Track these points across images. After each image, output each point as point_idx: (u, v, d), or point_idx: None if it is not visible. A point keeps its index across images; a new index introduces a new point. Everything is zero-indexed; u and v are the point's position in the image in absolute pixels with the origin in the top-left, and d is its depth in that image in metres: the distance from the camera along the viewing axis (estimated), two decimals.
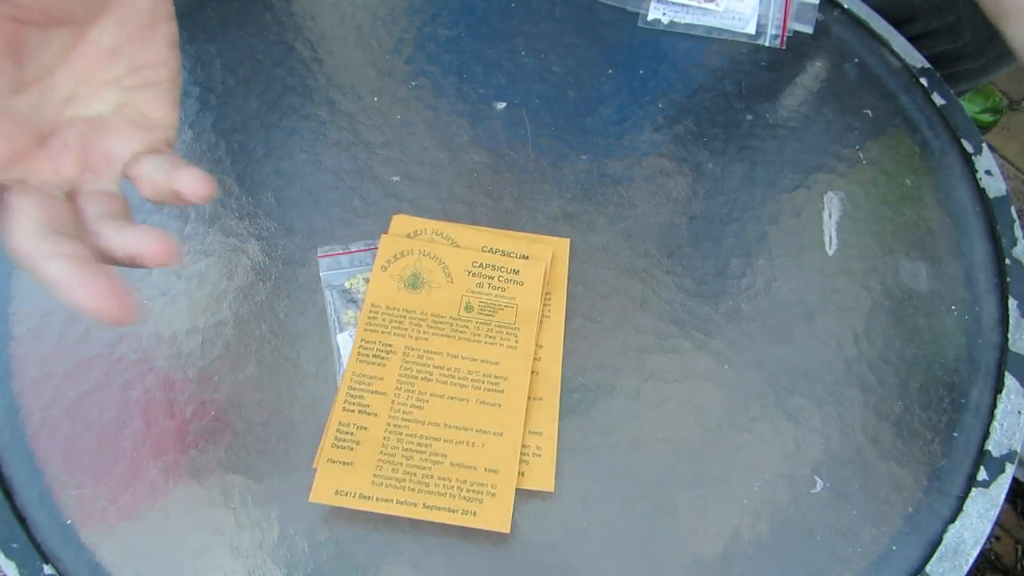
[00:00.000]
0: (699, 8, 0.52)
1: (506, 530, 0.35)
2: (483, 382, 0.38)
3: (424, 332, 0.39)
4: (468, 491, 0.35)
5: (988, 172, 0.46)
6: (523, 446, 0.37)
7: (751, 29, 0.52)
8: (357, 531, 0.36)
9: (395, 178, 0.46)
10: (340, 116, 0.48)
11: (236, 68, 0.49)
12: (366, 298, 0.40)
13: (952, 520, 0.37)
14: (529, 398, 0.38)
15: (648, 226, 0.44)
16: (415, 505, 0.35)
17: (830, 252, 0.44)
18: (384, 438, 0.36)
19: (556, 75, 0.50)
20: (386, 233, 0.43)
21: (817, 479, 0.38)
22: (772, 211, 0.45)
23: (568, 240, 0.43)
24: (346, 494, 0.35)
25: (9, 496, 0.37)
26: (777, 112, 0.49)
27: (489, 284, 0.41)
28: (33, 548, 0.35)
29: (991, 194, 0.46)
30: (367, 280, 0.41)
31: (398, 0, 0.53)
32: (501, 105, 0.49)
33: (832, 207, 0.46)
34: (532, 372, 0.39)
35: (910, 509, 0.37)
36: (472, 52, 0.51)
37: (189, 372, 0.40)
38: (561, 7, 0.53)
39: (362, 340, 0.39)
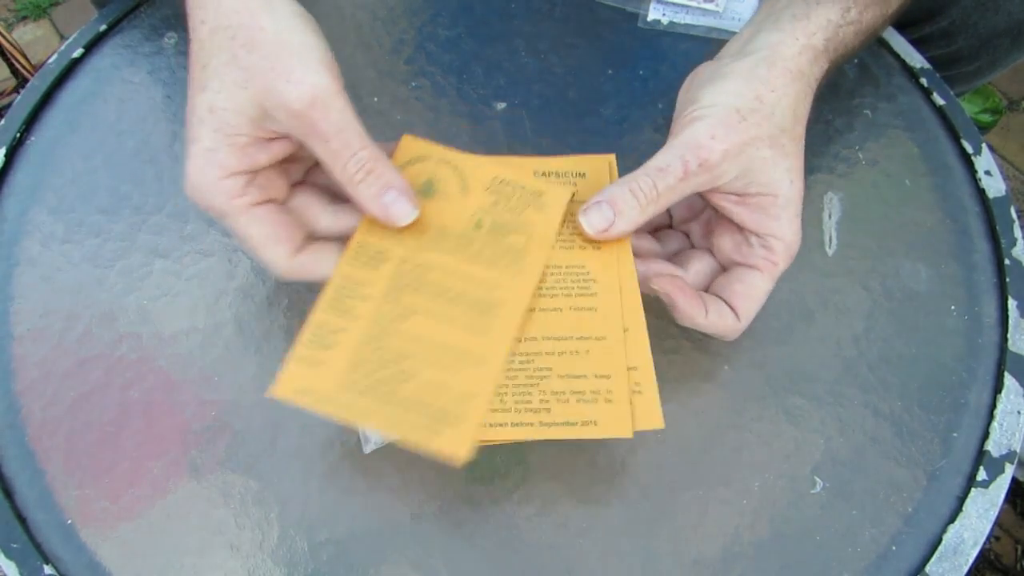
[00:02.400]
0: (699, 8, 0.52)
1: (459, 462, 0.32)
2: (476, 304, 0.35)
3: (425, 244, 0.36)
4: (436, 412, 0.33)
5: (988, 172, 0.46)
6: (591, 391, 0.34)
7: None
8: (357, 531, 0.36)
9: None
10: None
11: None
12: None
13: (952, 520, 0.37)
14: (588, 338, 0.35)
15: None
16: (377, 416, 0.32)
17: (830, 252, 0.44)
18: (360, 345, 0.34)
19: (556, 75, 0.50)
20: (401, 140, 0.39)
21: (817, 479, 0.38)
22: None
23: (613, 158, 0.40)
24: (308, 394, 0.33)
25: (9, 496, 0.37)
26: None
27: (506, 205, 0.38)
28: (33, 548, 0.35)
29: (991, 194, 0.46)
30: None
31: (398, 0, 0.53)
32: (501, 105, 0.49)
33: (832, 207, 0.46)
34: (588, 309, 0.36)
35: (910, 509, 0.37)
36: (472, 52, 0.51)
37: (189, 372, 0.40)
38: (561, 7, 0.53)
39: (358, 242, 0.36)
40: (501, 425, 0.33)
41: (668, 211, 0.41)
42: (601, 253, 0.36)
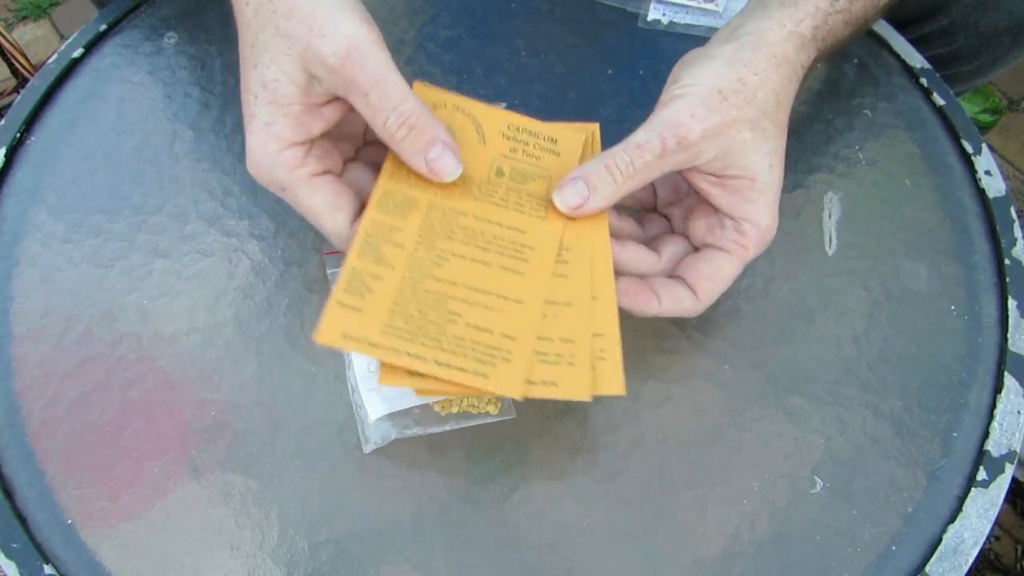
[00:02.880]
0: (699, 8, 0.52)
1: (518, 396, 0.32)
2: (508, 248, 0.35)
3: (451, 191, 0.36)
4: (483, 353, 0.33)
5: (988, 172, 0.46)
6: (554, 353, 0.34)
7: None
8: (357, 531, 0.36)
9: None
10: None
11: (236, 68, 0.49)
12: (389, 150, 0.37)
13: (952, 520, 0.37)
14: (555, 302, 0.35)
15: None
16: (425, 360, 0.32)
17: (830, 252, 0.44)
18: (399, 291, 0.34)
19: (556, 75, 0.50)
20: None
21: (817, 479, 0.38)
22: None
23: (597, 127, 0.40)
24: (354, 339, 0.32)
25: (9, 496, 0.37)
26: None
27: (524, 151, 0.38)
28: (33, 548, 0.35)
29: (991, 194, 0.46)
30: None
31: (398, 0, 0.53)
32: (501, 105, 0.49)
33: (832, 207, 0.46)
34: (560, 275, 0.36)
35: (910, 509, 0.37)
36: (472, 52, 0.51)
37: (189, 372, 0.40)
38: (561, 7, 0.53)
39: (383, 189, 0.35)
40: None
41: (654, 192, 0.41)
42: (546, 224, 0.36)
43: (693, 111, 0.34)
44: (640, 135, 0.35)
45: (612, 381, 0.34)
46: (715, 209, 0.37)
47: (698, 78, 0.35)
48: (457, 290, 0.34)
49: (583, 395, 0.33)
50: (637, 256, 0.37)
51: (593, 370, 0.34)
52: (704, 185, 0.36)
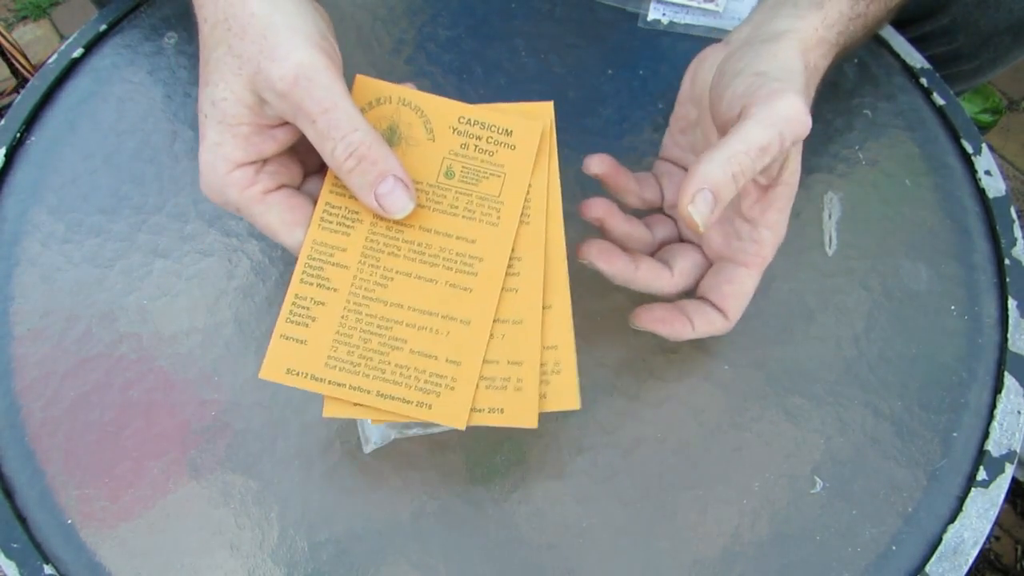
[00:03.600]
0: (699, 8, 0.52)
1: (461, 427, 0.32)
2: (455, 262, 0.34)
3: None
4: (426, 382, 0.32)
5: (988, 172, 0.46)
6: (540, 364, 0.33)
7: None
8: (357, 531, 0.36)
9: None
10: None
11: None
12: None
13: (952, 520, 0.37)
14: (509, 321, 0.34)
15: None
16: (368, 392, 0.32)
17: (830, 252, 0.44)
18: (342, 316, 0.33)
19: (556, 75, 0.50)
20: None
21: (817, 479, 0.38)
22: None
23: (551, 105, 0.37)
24: (297, 374, 0.32)
25: (9, 496, 0.37)
26: None
27: (476, 146, 0.35)
28: (33, 548, 0.35)
29: (991, 194, 0.46)
30: None
31: (398, 0, 0.53)
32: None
33: (832, 207, 0.46)
34: (510, 289, 0.34)
35: (910, 509, 0.37)
36: (472, 52, 0.51)
37: (189, 372, 0.40)
38: (561, 7, 0.53)
39: (326, 204, 0.34)
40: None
41: (660, 192, 0.40)
42: (498, 231, 0.34)
43: (807, 106, 0.32)
44: (762, 135, 0.31)
45: (566, 396, 0.32)
46: (731, 215, 0.36)
47: (784, 73, 0.33)
48: (402, 313, 0.33)
49: (530, 422, 0.32)
50: (652, 275, 0.37)
51: (547, 384, 0.33)
52: (749, 186, 0.35)
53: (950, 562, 0.36)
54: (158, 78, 0.49)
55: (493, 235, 0.34)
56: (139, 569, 0.35)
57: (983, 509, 0.37)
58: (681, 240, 0.40)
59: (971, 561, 0.36)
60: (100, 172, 0.46)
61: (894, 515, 0.37)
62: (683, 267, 0.38)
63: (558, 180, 0.36)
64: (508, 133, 0.36)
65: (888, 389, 0.40)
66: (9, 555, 0.35)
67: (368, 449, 0.37)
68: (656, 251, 0.39)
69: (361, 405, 0.32)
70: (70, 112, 0.48)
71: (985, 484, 0.38)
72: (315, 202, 0.35)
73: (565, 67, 0.50)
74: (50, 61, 0.49)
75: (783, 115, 0.32)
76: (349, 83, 0.35)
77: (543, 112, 0.36)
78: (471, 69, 0.50)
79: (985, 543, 0.41)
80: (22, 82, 0.89)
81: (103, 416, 0.38)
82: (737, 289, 0.36)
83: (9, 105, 0.49)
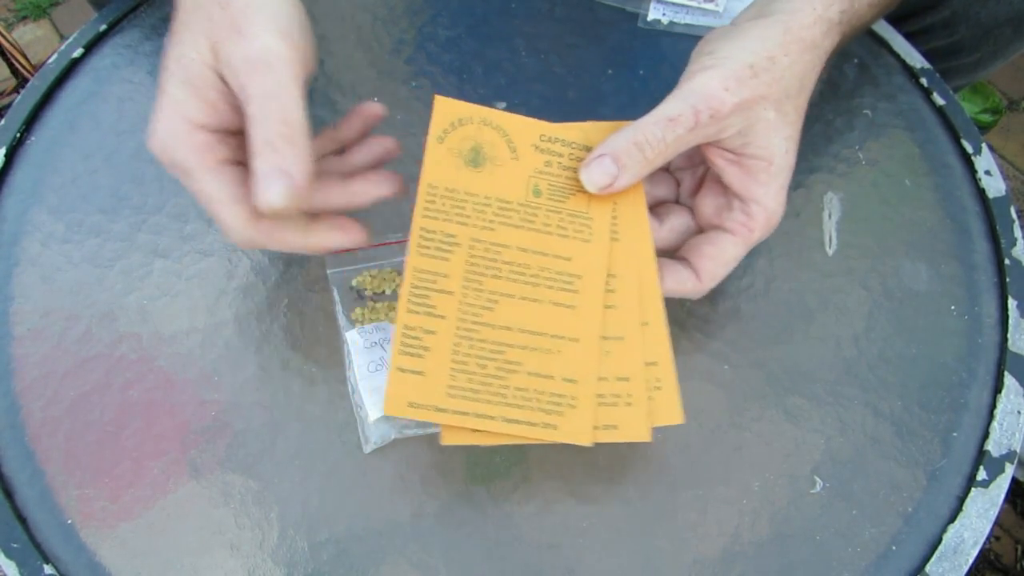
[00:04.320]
0: (699, 8, 0.52)
1: (589, 443, 0.32)
2: (556, 280, 0.34)
3: (490, 221, 0.35)
4: (548, 402, 0.32)
5: (988, 172, 0.46)
6: (612, 394, 0.33)
7: None
8: (357, 531, 0.36)
9: None
10: (339, 115, 0.48)
11: None
12: (422, 177, 0.35)
13: (952, 520, 0.37)
14: (608, 338, 0.34)
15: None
16: (493, 419, 0.32)
17: (830, 252, 0.44)
18: (455, 344, 0.33)
19: (556, 75, 0.50)
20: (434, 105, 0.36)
21: (817, 479, 0.38)
22: None
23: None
24: (420, 406, 0.32)
25: (9, 496, 0.37)
26: None
27: (559, 163, 0.36)
28: (33, 548, 0.35)
29: (991, 194, 0.46)
30: (373, 276, 0.41)
31: (398, 0, 0.53)
32: (501, 105, 0.49)
33: (832, 207, 0.46)
34: (609, 306, 0.35)
35: (910, 509, 0.37)
36: (472, 52, 0.51)
37: (189, 372, 0.40)
38: (561, 7, 0.53)
39: (421, 229, 0.34)
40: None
41: (675, 181, 0.40)
42: (591, 247, 0.35)
43: (726, 83, 0.33)
44: (672, 106, 0.33)
45: (670, 411, 0.33)
46: (724, 189, 0.36)
47: (731, 51, 0.34)
48: (512, 335, 0.33)
49: (644, 436, 0.32)
50: None
51: (650, 401, 0.33)
52: (720, 161, 0.36)
53: (950, 562, 0.36)
54: (158, 78, 0.49)
55: (588, 251, 0.35)
56: (139, 569, 0.35)
57: (983, 509, 0.37)
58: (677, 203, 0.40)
59: (971, 561, 0.36)
60: (100, 172, 0.46)
61: (894, 515, 0.37)
62: (674, 224, 0.38)
63: (643, 196, 0.36)
64: (587, 149, 0.36)
65: (888, 389, 0.40)
66: (9, 555, 0.35)
67: (368, 449, 0.37)
68: (653, 207, 0.39)
69: (481, 431, 0.32)
70: (70, 112, 0.48)
71: (985, 484, 0.38)
72: None
73: (565, 67, 0.50)
74: (50, 61, 0.49)
75: (697, 90, 0.33)
76: (426, 102, 0.36)
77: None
78: (471, 69, 0.50)
79: (985, 543, 0.41)
80: (22, 82, 0.89)
81: (103, 416, 0.38)
82: (716, 252, 0.36)
83: (9, 105, 0.49)
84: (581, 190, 0.36)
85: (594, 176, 0.34)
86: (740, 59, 0.34)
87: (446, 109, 0.36)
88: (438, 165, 0.35)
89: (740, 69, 0.34)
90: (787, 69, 0.35)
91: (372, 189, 0.36)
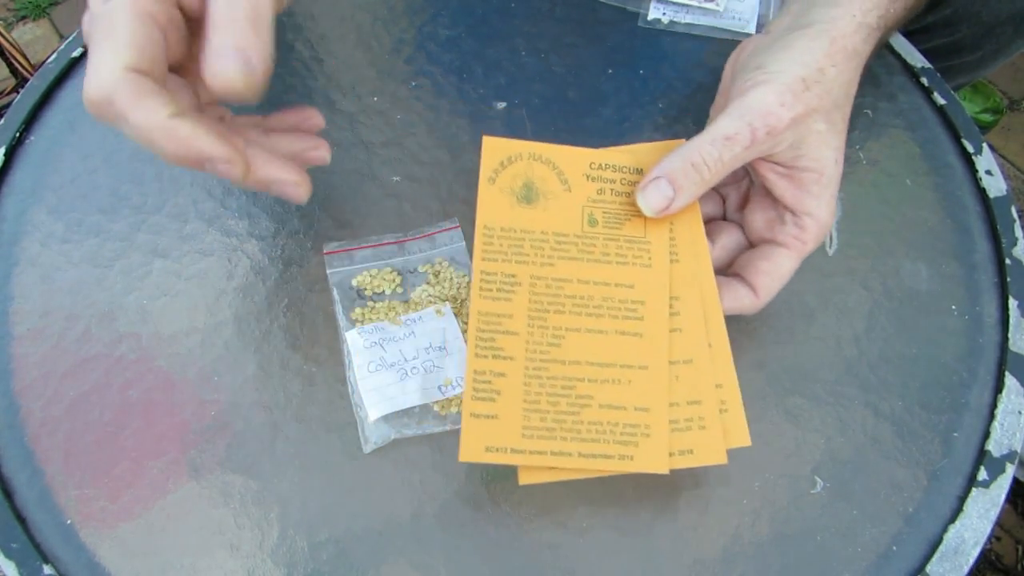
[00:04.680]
0: (699, 8, 0.52)
1: (665, 471, 0.32)
2: (620, 309, 0.34)
3: (549, 256, 0.35)
4: (623, 434, 0.32)
5: (988, 172, 0.46)
6: (685, 419, 0.33)
7: (751, 29, 0.52)
8: (357, 531, 0.36)
9: (395, 178, 0.46)
10: (340, 116, 0.48)
11: None
12: (477, 219, 0.35)
13: (952, 520, 0.37)
14: (676, 362, 0.34)
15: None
16: (570, 455, 0.32)
17: (830, 252, 0.44)
18: (525, 384, 0.33)
19: (556, 75, 0.50)
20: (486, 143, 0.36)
21: (817, 479, 0.38)
22: None
23: (683, 142, 0.36)
24: (497, 450, 0.32)
25: (9, 496, 0.37)
26: None
27: (611, 190, 0.36)
28: (33, 548, 0.35)
29: (991, 194, 0.46)
30: (373, 276, 0.41)
31: (398, 0, 0.53)
32: (501, 105, 0.49)
33: None
34: (677, 330, 0.35)
35: (910, 509, 0.37)
36: (472, 52, 0.51)
37: (189, 372, 0.40)
38: (561, 7, 0.53)
39: (482, 272, 0.34)
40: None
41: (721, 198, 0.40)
42: (652, 272, 0.35)
43: (782, 99, 0.33)
44: (728, 125, 0.33)
45: (738, 434, 0.33)
46: (774, 202, 0.36)
47: (781, 64, 0.34)
48: (581, 369, 0.33)
49: (720, 459, 0.33)
50: None
51: (691, 438, 0.33)
52: (771, 175, 0.35)
53: (951, 562, 0.36)
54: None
55: (649, 276, 0.35)
56: (139, 569, 0.35)
57: (984, 509, 0.37)
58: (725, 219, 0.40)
59: (972, 561, 0.36)
60: (100, 172, 0.46)
61: (894, 515, 0.37)
62: (725, 242, 0.38)
63: (699, 216, 0.36)
64: (639, 172, 0.36)
65: (888, 389, 0.40)
66: (9, 555, 0.35)
67: (368, 449, 0.37)
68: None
69: (557, 468, 0.32)
70: (70, 112, 0.48)
71: (986, 484, 0.38)
72: (186, 90, 0.32)
73: (565, 67, 0.50)
74: (50, 61, 0.49)
75: (752, 106, 0.33)
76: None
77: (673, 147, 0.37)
78: (471, 69, 0.50)
79: (986, 543, 0.41)
80: (22, 82, 0.89)
81: (103, 416, 0.38)
82: (771, 267, 0.36)
83: (9, 105, 0.49)
84: (637, 215, 0.36)
85: (650, 199, 0.34)
86: (792, 72, 0.34)
87: (495, 148, 0.36)
88: (492, 205, 0.35)
89: (793, 83, 0.33)
90: (835, 80, 0.35)
91: (294, 143, 0.35)
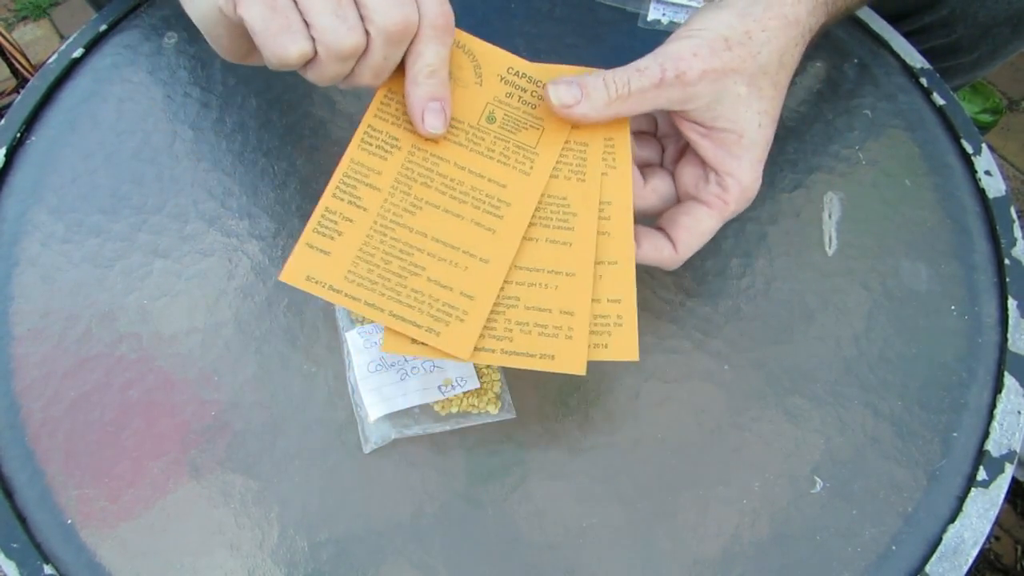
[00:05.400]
0: (699, 8, 0.52)
1: (465, 359, 0.32)
2: (484, 202, 0.35)
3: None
4: (439, 310, 0.33)
5: (988, 172, 0.46)
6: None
7: None
8: (357, 531, 0.36)
9: None
10: (340, 116, 0.48)
11: (236, 68, 0.49)
12: (384, 84, 0.36)
13: (952, 520, 0.37)
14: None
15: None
16: (382, 311, 0.32)
17: (830, 252, 0.44)
18: (368, 235, 0.34)
19: None
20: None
21: (817, 479, 0.38)
22: (772, 211, 0.45)
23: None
24: (316, 282, 0.32)
25: (9, 496, 0.37)
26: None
27: (521, 97, 0.37)
28: (33, 548, 0.35)
29: (991, 194, 0.46)
30: None
31: None
32: None
33: (832, 207, 0.46)
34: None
35: (910, 509, 0.37)
36: None
37: (189, 372, 0.40)
38: (561, 7, 0.53)
39: (369, 127, 0.35)
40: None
41: (655, 122, 0.41)
42: (529, 180, 0.36)
43: (696, 51, 0.34)
44: (641, 61, 0.35)
45: (627, 348, 0.33)
46: (702, 161, 0.37)
47: (707, 23, 0.35)
48: (425, 242, 0.34)
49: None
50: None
51: (608, 335, 0.34)
52: (692, 135, 0.36)
53: (950, 562, 0.36)
54: (158, 78, 0.49)
55: (524, 183, 0.36)
56: (139, 569, 0.35)
57: (983, 509, 0.37)
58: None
59: (971, 561, 0.36)
60: (100, 172, 0.46)
61: (894, 515, 0.37)
62: (656, 185, 0.39)
63: (627, 139, 0.37)
64: None
65: (888, 389, 0.40)
66: (9, 555, 0.35)
67: (368, 449, 0.37)
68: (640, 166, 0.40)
69: (418, 343, 0.33)
70: (70, 112, 0.48)
71: (985, 484, 0.38)
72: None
73: None
74: (50, 61, 0.49)
75: (666, 52, 0.35)
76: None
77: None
78: None
79: (985, 543, 0.41)
80: (22, 82, 0.89)
81: (103, 416, 0.38)
82: (691, 223, 0.37)
83: (9, 105, 0.49)
84: (534, 127, 0.37)
85: (560, 93, 0.35)
86: (715, 31, 0.35)
87: None
88: (402, 75, 0.35)
89: (714, 40, 0.35)
90: (764, 44, 0.35)
91: None
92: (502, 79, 0.37)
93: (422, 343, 0.33)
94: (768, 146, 0.37)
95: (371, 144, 0.35)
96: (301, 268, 0.33)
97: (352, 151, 0.35)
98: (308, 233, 0.33)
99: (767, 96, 0.36)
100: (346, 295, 0.33)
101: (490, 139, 0.36)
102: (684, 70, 0.34)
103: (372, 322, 0.40)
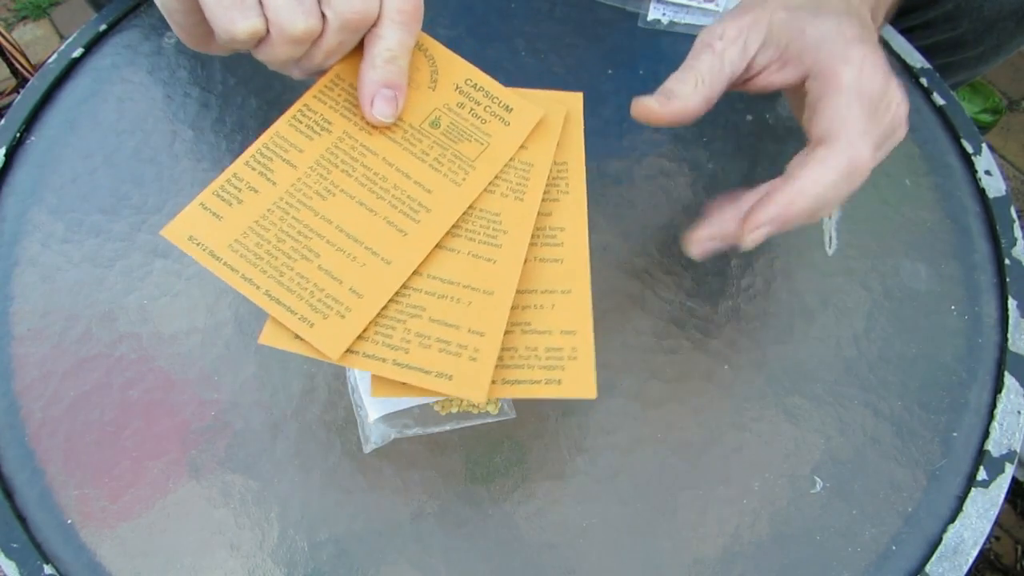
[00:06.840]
0: (699, 8, 0.52)
1: (334, 359, 0.30)
2: (403, 203, 0.33)
3: (373, 128, 0.34)
4: (320, 301, 0.31)
5: (988, 172, 0.46)
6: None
7: None
8: (357, 531, 0.36)
9: None
10: None
11: (236, 68, 0.49)
12: (334, 67, 0.35)
13: (952, 520, 0.37)
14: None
15: (648, 226, 0.45)
16: (258, 288, 0.30)
17: (830, 252, 0.44)
18: (268, 210, 0.32)
19: (556, 75, 0.50)
20: None
21: (817, 479, 0.38)
22: None
23: (581, 95, 0.38)
24: (197, 244, 0.31)
25: (9, 496, 0.37)
26: (777, 112, 0.49)
27: (472, 110, 0.36)
28: (33, 548, 0.35)
29: (991, 194, 0.46)
30: None
31: None
32: None
33: None
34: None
35: (910, 509, 0.37)
36: (472, 52, 0.51)
37: (189, 372, 0.40)
38: (561, 7, 0.53)
39: (304, 105, 0.34)
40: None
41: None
42: (458, 190, 0.34)
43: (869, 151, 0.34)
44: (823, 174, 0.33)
45: (583, 384, 0.31)
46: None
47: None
48: (328, 229, 0.32)
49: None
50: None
51: (562, 370, 0.31)
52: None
53: (950, 562, 0.36)
54: (158, 78, 0.49)
55: (451, 192, 0.34)
56: (139, 569, 0.35)
57: (983, 509, 0.37)
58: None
59: (971, 561, 0.36)
60: (100, 172, 0.46)
61: (894, 515, 0.37)
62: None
63: (582, 165, 0.36)
64: (508, 109, 0.36)
65: (888, 389, 0.40)
66: (9, 555, 0.35)
67: (368, 449, 0.37)
68: None
69: (299, 340, 0.30)
70: (70, 112, 0.48)
71: (985, 484, 0.38)
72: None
73: (565, 67, 0.50)
74: (50, 61, 0.49)
75: (847, 164, 0.33)
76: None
77: (570, 101, 0.37)
78: None
79: (985, 543, 0.41)
80: (22, 82, 0.89)
81: (103, 416, 0.38)
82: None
83: (9, 105, 0.49)
84: (479, 140, 0.35)
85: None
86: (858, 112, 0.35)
87: None
88: (355, 64, 0.34)
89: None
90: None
91: None
92: (458, 88, 0.36)
93: (301, 339, 0.30)
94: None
95: (301, 123, 0.34)
96: (186, 227, 0.31)
97: (279, 125, 0.33)
98: (206, 194, 0.32)
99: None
100: (225, 263, 0.31)
101: (428, 143, 0.35)
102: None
103: None
